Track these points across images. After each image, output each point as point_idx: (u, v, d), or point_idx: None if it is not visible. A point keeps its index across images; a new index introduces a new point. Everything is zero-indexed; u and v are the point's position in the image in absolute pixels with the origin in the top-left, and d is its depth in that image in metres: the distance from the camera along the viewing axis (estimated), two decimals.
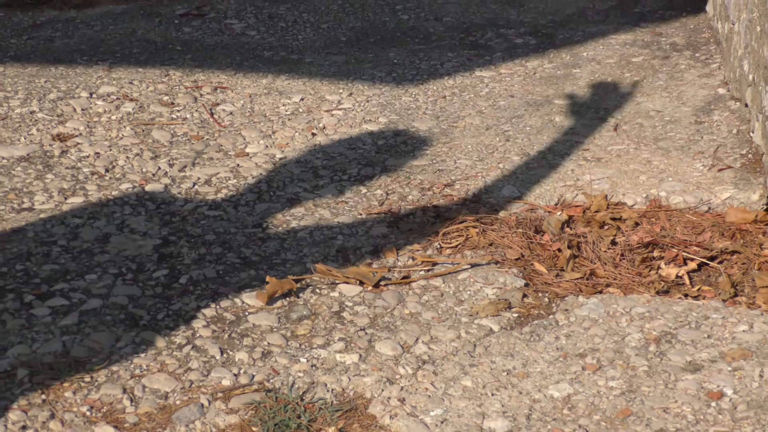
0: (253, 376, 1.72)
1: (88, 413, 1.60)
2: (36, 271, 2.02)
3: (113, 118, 2.86)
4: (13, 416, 1.58)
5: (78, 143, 2.67)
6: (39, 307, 1.89)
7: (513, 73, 3.39)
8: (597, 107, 3.02)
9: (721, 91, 3.08)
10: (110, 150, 2.65)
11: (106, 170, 2.53)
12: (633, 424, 1.61)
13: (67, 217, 2.26)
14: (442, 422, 1.61)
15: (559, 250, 2.16)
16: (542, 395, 1.68)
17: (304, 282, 2.02)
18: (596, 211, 2.34)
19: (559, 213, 2.32)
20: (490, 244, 2.20)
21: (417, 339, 1.85)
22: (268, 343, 1.82)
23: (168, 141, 2.74)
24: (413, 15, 4.06)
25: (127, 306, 1.91)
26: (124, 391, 1.66)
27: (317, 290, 2.00)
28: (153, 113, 2.92)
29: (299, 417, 1.60)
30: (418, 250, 2.17)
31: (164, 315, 1.89)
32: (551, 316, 1.94)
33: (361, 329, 1.88)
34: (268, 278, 1.97)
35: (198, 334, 1.84)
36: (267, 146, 2.74)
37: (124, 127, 2.80)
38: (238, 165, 2.61)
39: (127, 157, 2.61)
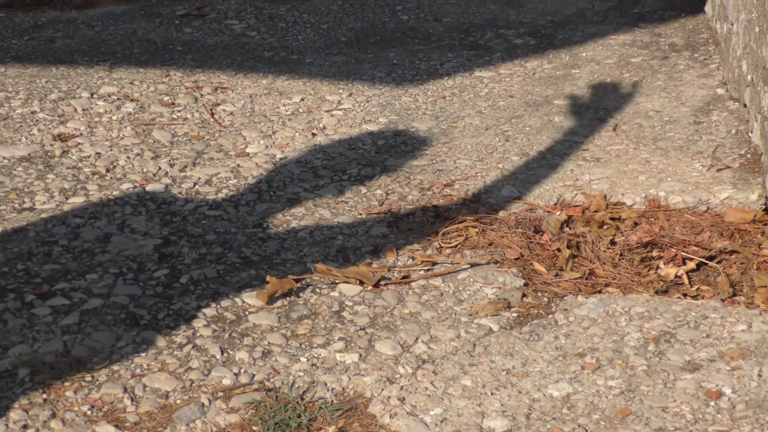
0: (254, 375, 1.73)
1: (89, 412, 1.61)
2: (37, 271, 2.02)
3: (114, 118, 2.87)
4: (15, 415, 1.59)
5: (79, 143, 2.67)
6: (40, 307, 1.89)
7: (512, 73, 3.40)
8: (596, 107, 3.02)
9: (720, 91, 3.09)
10: (111, 150, 2.65)
11: (107, 170, 2.53)
12: (632, 424, 1.61)
13: (68, 216, 2.27)
14: (441, 421, 1.61)
15: (559, 249, 2.16)
16: (542, 394, 1.69)
17: (304, 282, 2.03)
18: (595, 211, 2.34)
19: (558, 213, 2.32)
20: (490, 244, 2.20)
21: (417, 338, 1.86)
22: (269, 343, 1.83)
23: (169, 141, 2.74)
24: (413, 15, 4.07)
25: (128, 305, 1.92)
26: (125, 390, 1.67)
27: (317, 290, 2.01)
28: (154, 113, 2.93)
29: (299, 416, 1.61)
30: (418, 250, 2.18)
31: (165, 314, 1.90)
32: (550, 316, 1.95)
33: (361, 329, 1.88)
34: (268, 278, 1.98)
35: (198, 334, 1.84)
36: (267, 146, 2.75)
37: (125, 127, 2.81)
38: (238, 165, 2.61)
39: (128, 157, 2.61)
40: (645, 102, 3.04)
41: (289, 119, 2.94)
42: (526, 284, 2.06)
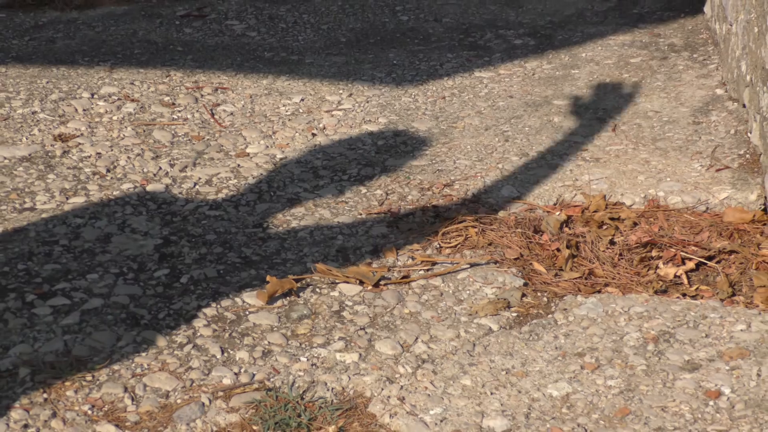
0: (254, 375, 1.73)
1: (89, 412, 1.61)
2: (38, 271, 2.03)
3: (114, 118, 2.87)
4: (15, 415, 1.59)
5: (79, 143, 2.68)
6: (40, 307, 1.90)
7: (512, 73, 3.40)
8: (595, 108, 3.03)
9: (719, 91, 3.09)
10: (111, 150, 2.66)
11: (108, 170, 2.54)
12: (631, 423, 1.62)
13: (69, 216, 2.27)
14: (441, 421, 1.62)
15: (558, 249, 2.17)
16: (541, 394, 1.69)
17: (304, 281, 2.03)
18: (595, 211, 2.35)
19: (557, 213, 2.33)
20: (490, 244, 2.21)
21: (416, 338, 1.86)
22: (269, 342, 1.83)
23: (169, 141, 2.75)
24: (413, 16, 4.07)
25: (129, 305, 1.92)
26: (126, 390, 1.67)
27: (317, 290, 2.02)
28: (154, 114, 2.93)
29: (299, 416, 1.61)
30: (418, 250, 2.18)
31: (165, 314, 1.90)
32: (550, 316, 1.95)
33: (361, 328, 1.89)
34: (268, 278, 1.98)
35: (199, 334, 1.85)
36: (267, 146, 2.75)
37: (126, 127, 2.81)
38: (238, 165, 2.62)
39: (129, 158, 2.62)
40: (644, 102, 3.04)
41: (289, 119, 2.94)
42: (525, 284, 2.06)
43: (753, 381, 1.72)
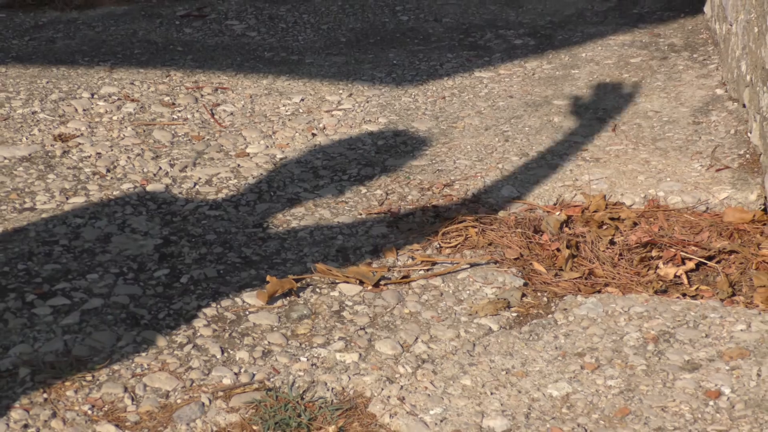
0: (254, 375, 1.73)
1: (89, 412, 1.61)
2: (38, 271, 2.03)
3: (114, 118, 2.87)
4: (15, 415, 1.59)
5: (79, 143, 2.68)
6: (41, 307, 1.90)
7: (512, 73, 3.40)
8: (595, 108, 3.03)
9: (719, 91, 3.09)
10: (111, 150, 2.66)
11: (108, 170, 2.54)
12: (631, 423, 1.62)
13: (69, 216, 2.27)
14: (441, 421, 1.62)
15: (558, 249, 2.17)
16: (541, 394, 1.69)
17: (304, 281, 2.03)
18: (595, 211, 2.35)
19: (557, 213, 2.33)
20: (490, 244, 2.21)
21: (416, 338, 1.86)
22: (269, 342, 1.83)
23: (169, 141, 2.75)
24: (413, 16, 4.08)
25: (129, 305, 1.92)
26: (126, 390, 1.67)
27: (317, 290, 2.02)
28: (154, 114, 2.93)
29: (299, 416, 1.61)
30: (418, 250, 2.19)
31: (165, 314, 1.90)
32: (550, 316, 1.95)
33: (361, 328, 1.89)
34: (268, 278, 1.98)
35: (199, 334, 1.85)
36: (267, 146, 2.75)
37: (126, 127, 2.81)
38: (238, 165, 2.62)
39: (129, 158, 2.62)
40: (644, 102, 3.04)
41: (289, 119, 2.94)
42: (525, 284, 2.06)
43: (753, 381, 1.72)
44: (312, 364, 1.77)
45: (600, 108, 3.02)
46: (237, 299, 1.97)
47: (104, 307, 1.91)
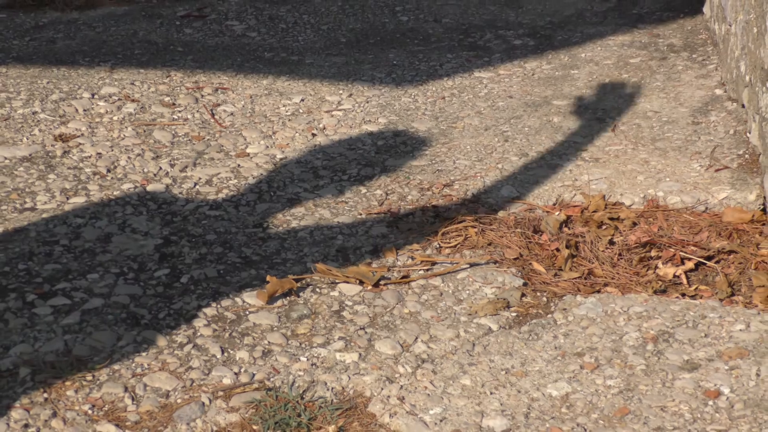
0: (254, 374, 1.73)
1: (89, 412, 1.62)
2: (38, 271, 2.03)
3: (115, 118, 2.88)
4: (16, 415, 1.60)
5: (80, 143, 2.68)
6: (41, 306, 1.90)
7: (512, 74, 3.40)
8: (595, 108, 3.03)
9: (718, 92, 3.09)
10: (112, 150, 2.66)
11: (108, 170, 2.54)
12: (631, 423, 1.62)
13: (69, 216, 2.28)
14: (441, 420, 1.62)
15: (558, 249, 2.17)
16: (541, 394, 1.70)
17: (304, 281, 2.04)
18: (594, 211, 2.35)
19: (557, 213, 2.33)
20: (489, 244, 2.21)
21: (416, 338, 1.86)
22: (269, 342, 1.84)
23: (169, 141, 2.75)
24: (412, 16, 4.08)
25: (129, 305, 1.93)
26: (126, 389, 1.68)
27: (317, 289, 2.02)
28: (154, 114, 2.93)
29: (299, 415, 1.61)
30: (418, 250, 2.19)
31: (165, 314, 1.90)
32: (549, 316, 1.96)
33: (360, 328, 1.89)
34: (268, 278, 1.99)
35: (199, 333, 1.85)
36: (267, 147, 2.76)
37: (126, 127, 2.82)
38: (238, 165, 2.62)
39: (129, 158, 2.62)
40: (644, 102, 3.05)
41: (290, 120, 2.95)
42: (525, 284, 2.06)
43: (752, 381, 1.72)
44: (312, 364, 1.77)
45: (599, 108, 3.03)
46: (237, 299, 1.97)
47: (104, 306, 1.91)
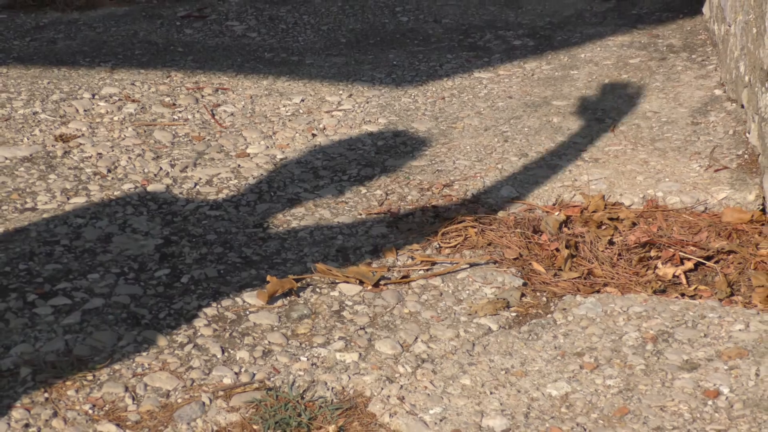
0: (254, 374, 1.74)
1: (90, 411, 1.62)
2: (39, 271, 2.04)
3: (115, 119, 2.88)
4: (16, 414, 1.60)
5: (80, 144, 2.69)
6: (42, 306, 1.90)
7: (511, 74, 3.41)
8: (594, 108, 3.04)
9: (718, 92, 3.10)
10: (112, 150, 2.66)
11: (109, 170, 2.55)
12: (630, 423, 1.62)
13: (70, 217, 2.28)
14: (441, 420, 1.62)
15: (557, 249, 2.18)
16: (540, 394, 1.70)
17: (304, 281, 2.04)
18: (594, 211, 2.35)
19: (557, 213, 2.34)
20: (489, 244, 2.21)
21: (416, 338, 1.87)
22: (269, 342, 1.84)
23: (170, 142, 2.76)
24: (412, 17, 4.08)
25: (129, 305, 1.93)
26: (126, 389, 1.68)
27: (317, 289, 2.02)
28: (155, 114, 2.94)
29: (299, 415, 1.62)
30: (418, 250, 2.19)
31: (166, 314, 1.91)
32: (549, 316, 1.96)
33: (360, 328, 1.89)
34: (268, 278, 1.99)
35: (199, 333, 1.85)
36: (268, 147, 2.76)
37: (126, 127, 2.82)
38: (239, 165, 2.63)
39: (129, 158, 2.62)
40: (643, 103, 3.05)
41: (290, 120, 2.95)
42: (524, 284, 2.07)
43: (751, 381, 1.73)
44: (312, 364, 1.77)
45: (599, 108, 3.03)
46: (237, 299, 1.98)
47: (105, 306, 1.92)
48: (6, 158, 2.57)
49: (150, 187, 2.46)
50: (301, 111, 3.03)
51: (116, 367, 1.73)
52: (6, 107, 2.91)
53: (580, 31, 3.88)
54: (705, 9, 3.82)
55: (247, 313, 1.93)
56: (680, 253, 2.15)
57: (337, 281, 2.04)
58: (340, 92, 3.19)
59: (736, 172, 2.50)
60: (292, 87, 3.22)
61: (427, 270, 2.11)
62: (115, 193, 2.42)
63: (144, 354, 1.78)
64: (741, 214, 2.28)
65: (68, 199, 2.37)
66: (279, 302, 1.97)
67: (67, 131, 2.77)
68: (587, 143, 2.77)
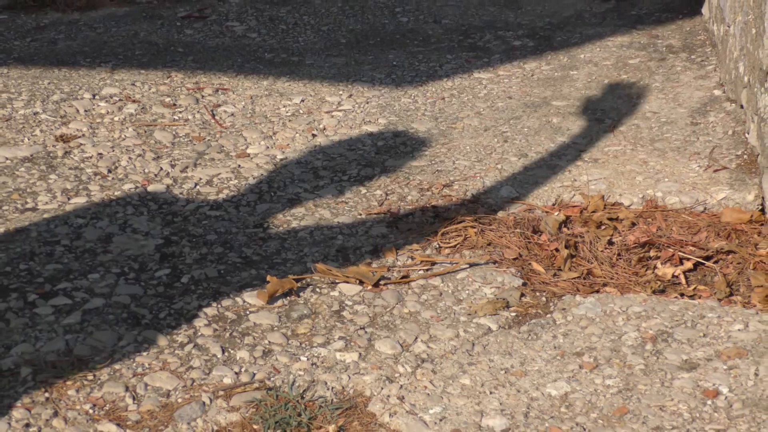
0: (254, 374, 1.74)
1: (90, 411, 1.62)
2: (39, 271, 2.04)
3: (116, 119, 2.88)
4: (17, 414, 1.60)
5: (81, 144, 2.69)
6: (42, 306, 1.91)
7: (511, 74, 3.41)
8: (594, 109, 3.04)
9: (717, 92, 3.10)
10: (113, 151, 2.67)
11: (109, 171, 2.55)
12: (630, 422, 1.63)
13: (70, 217, 2.28)
14: (440, 420, 1.63)
15: (557, 249, 2.18)
16: (540, 393, 1.70)
17: (304, 281, 2.04)
18: (593, 212, 2.36)
19: (556, 213, 2.34)
20: (489, 244, 2.22)
21: (416, 338, 1.87)
22: (269, 342, 1.84)
23: (170, 142, 2.76)
24: (412, 17, 4.09)
25: (130, 305, 1.93)
26: (127, 389, 1.68)
27: (317, 289, 2.03)
28: (155, 114, 2.94)
29: (299, 415, 1.62)
30: (417, 250, 2.20)
31: (166, 314, 1.91)
32: (549, 315, 1.96)
33: (360, 328, 1.90)
34: (268, 278, 1.99)
35: (199, 333, 1.86)
36: (268, 147, 2.76)
37: (127, 128, 2.82)
38: (239, 166, 2.63)
39: (130, 158, 2.63)
40: (642, 103, 3.05)
41: (290, 120, 2.96)
42: (524, 284, 2.07)
43: (750, 380, 1.73)
44: (312, 364, 1.78)
45: (598, 109, 3.04)
46: (237, 299, 1.98)
47: (105, 306, 1.92)
48: (7, 158, 2.58)
49: (150, 188, 2.46)
50: (301, 111, 3.03)
51: (117, 366, 1.74)
52: (7, 107, 2.91)
53: (579, 31, 3.89)
54: (704, 10, 3.83)
55: (248, 313, 1.93)
56: (679, 253, 2.15)
57: (337, 281, 2.05)
58: (340, 92, 3.19)
59: (735, 173, 2.51)
60: (292, 87, 3.23)
61: (427, 270, 2.12)
62: (116, 194, 2.42)
63: (144, 354, 1.78)
64: (740, 214, 2.28)
65: (69, 199, 2.38)
66: (279, 302, 1.97)
67: (68, 131, 2.77)
68: (587, 143, 2.77)
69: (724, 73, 3.13)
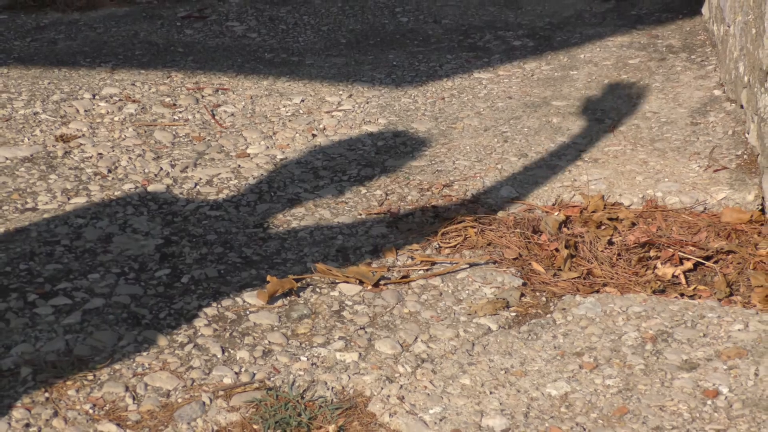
0: (254, 374, 1.74)
1: (90, 411, 1.62)
2: (39, 271, 2.04)
3: (116, 119, 2.89)
4: (17, 414, 1.60)
5: (81, 144, 2.69)
6: (42, 306, 1.91)
7: (511, 74, 3.41)
8: (594, 109, 3.04)
9: (717, 92, 3.10)
10: (113, 151, 2.67)
11: (109, 171, 2.55)
12: (630, 422, 1.63)
13: (71, 217, 2.29)
14: (440, 420, 1.63)
15: (557, 249, 2.18)
16: (540, 393, 1.70)
17: (304, 281, 2.04)
18: (593, 212, 2.36)
19: (556, 213, 2.34)
20: (489, 244, 2.22)
21: (416, 338, 1.87)
22: (269, 342, 1.84)
23: (170, 142, 2.76)
24: (412, 17, 4.09)
25: (130, 305, 1.93)
26: (127, 389, 1.68)
27: (317, 289, 2.03)
28: (155, 114, 2.94)
29: (300, 415, 1.62)
30: (417, 250, 2.20)
31: (166, 314, 1.91)
32: (549, 315, 1.96)
33: (360, 328, 1.90)
34: (268, 278, 1.99)
35: (199, 333, 1.86)
36: (268, 147, 2.76)
37: (127, 128, 2.82)
38: (239, 166, 2.63)
39: (130, 158, 2.63)
40: (642, 103, 3.06)
41: (290, 120, 2.96)
42: (524, 284, 2.07)
43: (750, 380, 1.73)
44: (312, 364, 1.78)
45: (598, 109, 3.04)
46: (237, 299, 1.98)
47: (105, 306, 1.92)
48: (7, 158, 2.58)
49: (150, 188, 2.46)
50: (301, 111, 3.03)
51: (117, 366, 1.74)
52: (7, 107, 2.91)
53: (579, 31, 3.89)
54: (704, 10, 3.83)
55: (247, 313, 1.93)
56: (679, 253, 2.15)
57: (337, 281, 2.05)
58: (340, 92, 3.19)
59: (735, 173, 2.51)
60: (292, 87, 3.23)
61: (427, 270, 2.12)
62: (116, 193, 2.42)
63: (144, 354, 1.78)
64: (740, 214, 2.28)
65: (69, 199, 2.38)
66: (279, 302, 1.97)
67: (68, 131, 2.77)
68: (587, 143, 2.77)
69: (724, 73, 3.13)
